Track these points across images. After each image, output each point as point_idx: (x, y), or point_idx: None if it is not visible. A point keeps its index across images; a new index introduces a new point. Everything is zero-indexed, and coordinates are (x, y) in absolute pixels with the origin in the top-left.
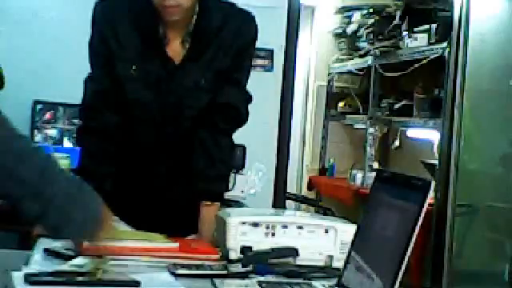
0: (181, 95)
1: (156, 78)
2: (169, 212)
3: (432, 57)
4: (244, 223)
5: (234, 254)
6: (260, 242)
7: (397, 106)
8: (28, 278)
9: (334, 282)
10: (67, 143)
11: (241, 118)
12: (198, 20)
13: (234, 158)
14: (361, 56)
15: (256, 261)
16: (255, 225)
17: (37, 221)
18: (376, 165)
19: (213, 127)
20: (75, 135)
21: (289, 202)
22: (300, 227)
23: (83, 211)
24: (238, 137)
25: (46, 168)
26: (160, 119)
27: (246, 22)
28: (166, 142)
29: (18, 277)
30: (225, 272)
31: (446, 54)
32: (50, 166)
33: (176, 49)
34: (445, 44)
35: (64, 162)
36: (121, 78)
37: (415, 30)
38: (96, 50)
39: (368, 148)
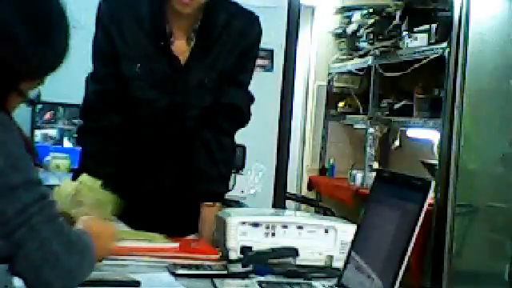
0: (186, 94)
1: (162, 76)
2: (171, 212)
3: (432, 57)
4: (244, 223)
5: (234, 254)
6: (260, 242)
7: (397, 106)
8: None
9: (333, 281)
10: (67, 143)
11: (244, 119)
12: (203, 18)
13: (235, 159)
14: (361, 56)
15: (256, 261)
16: (255, 225)
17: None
18: (376, 165)
19: (216, 128)
20: (75, 135)
21: (289, 202)
22: (300, 227)
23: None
24: (238, 137)
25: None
26: (165, 119)
27: (251, 23)
28: (170, 141)
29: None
30: (225, 272)
31: (446, 53)
32: (33, 210)
33: (181, 48)
34: (445, 44)
35: (64, 162)
36: (126, 77)
37: (415, 30)
38: (100, 49)
39: (368, 148)
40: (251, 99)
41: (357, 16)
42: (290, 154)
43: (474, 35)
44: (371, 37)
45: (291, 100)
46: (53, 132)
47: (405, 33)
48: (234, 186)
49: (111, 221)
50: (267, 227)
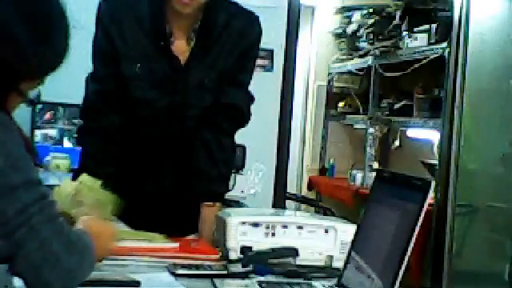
0: (186, 94)
1: (162, 76)
2: (171, 212)
3: (432, 57)
4: (244, 223)
5: (234, 254)
6: (260, 242)
7: (397, 106)
8: None
9: (333, 281)
10: (67, 143)
11: (244, 119)
12: (203, 18)
13: (235, 159)
14: (361, 56)
15: (256, 261)
16: (255, 225)
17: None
18: (376, 165)
19: (216, 128)
20: (75, 135)
21: (289, 202)
22: (300, 227)
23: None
24: (238, 137)
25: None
26: (165, 119)
27: (251, 23)
28: (170, 141)
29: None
30: (225, 272)
31: (446, 54)
32: (33, 210)
33: (181, 48)
34: (445, 44)
35: (64, 162)
36: (126, 77)
37: (415, 30)
38: (100, 49)
39: (368, 148)
40: (251, 99)
41: (357, 16)
42: (290, 153)
43: (473, 35)
44: (371, 37)
45: (291, 100)
46: (53, 132)
47: (405, 33)
48: (234, 186)
49: (111, 221)
50: (267, 227)
